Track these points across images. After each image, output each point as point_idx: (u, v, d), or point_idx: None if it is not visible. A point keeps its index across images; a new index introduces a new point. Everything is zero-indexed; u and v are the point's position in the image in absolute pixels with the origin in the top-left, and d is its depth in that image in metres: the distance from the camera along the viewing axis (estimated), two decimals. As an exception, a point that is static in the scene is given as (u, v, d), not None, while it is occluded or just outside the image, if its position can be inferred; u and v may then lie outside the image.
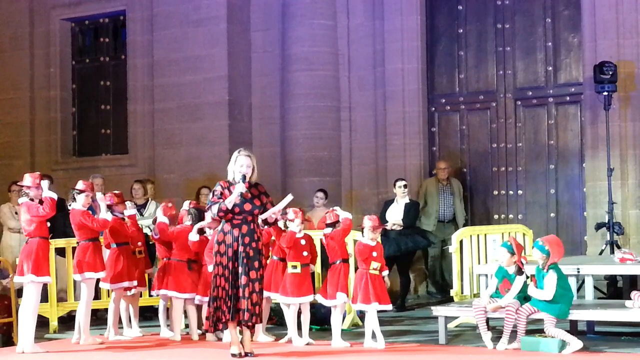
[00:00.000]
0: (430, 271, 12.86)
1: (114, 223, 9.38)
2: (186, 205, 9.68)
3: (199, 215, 9.42)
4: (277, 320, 9.95)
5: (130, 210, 9.74)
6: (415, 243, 11.61)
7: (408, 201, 11.82)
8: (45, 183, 8.86)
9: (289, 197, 8.20)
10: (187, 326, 9.66)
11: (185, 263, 9.38)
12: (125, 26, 14.67)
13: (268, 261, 9.05)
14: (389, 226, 11.49)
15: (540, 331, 8.17)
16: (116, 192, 9.79)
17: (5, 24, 15.44)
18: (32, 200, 8.73)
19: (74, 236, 9.43)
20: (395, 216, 11.71)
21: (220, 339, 9.03)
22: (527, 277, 8.31)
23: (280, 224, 8.88)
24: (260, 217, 8.03)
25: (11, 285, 10.29)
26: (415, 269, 12.82)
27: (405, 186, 11.83)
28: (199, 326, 9.29)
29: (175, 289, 9.35)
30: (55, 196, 8.83)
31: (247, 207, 7.89)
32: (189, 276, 9.36)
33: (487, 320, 8.31)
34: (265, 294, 8.65)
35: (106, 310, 9.95)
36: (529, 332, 8.17)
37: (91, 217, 9.04)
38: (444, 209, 12.57)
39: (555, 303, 7.96)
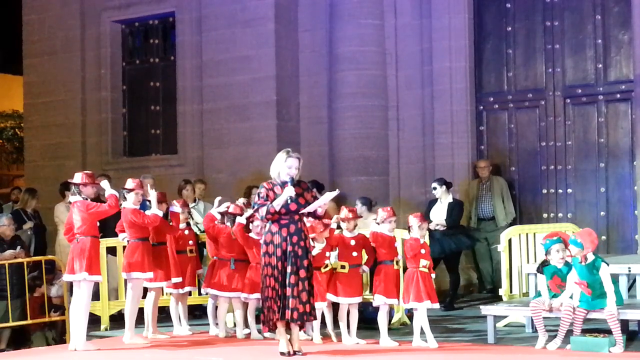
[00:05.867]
0: (476, 269, 12.85)
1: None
2: (240, 202, 9.76)
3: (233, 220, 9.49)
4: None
5: (174, 208, 9.55)
6: (458, 244, 11.49)
7: (451, 200, 11.75)
8: (105, 182, 9.08)
9: (335, 192, 8.22)
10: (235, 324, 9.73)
11: (228, 262, 9.43)
12: (175, 28, 14.80)
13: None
14: (432, 226, 11.36)
15: (591, 331, 8.10)
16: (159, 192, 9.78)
17: (56, 27, 15.66)
18: (85, 198, 8.84)
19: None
20: (438, 216, 11.61)
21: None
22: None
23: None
24: (304, 210, 7.98)
25: (63, 284, 10.43)
26: (464, 268, 12.78)
27: (434, 188, 11.69)
28: (246, 324, 9.38)
29: (219, 287, 9.43)
30: (117, 193, 8.98)
31: (293, 206, 7.92)
32: (234, 275, 9.38)
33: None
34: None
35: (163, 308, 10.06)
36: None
37: (142, 214, 9.08)
38: (482, 206, 12.53)
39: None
